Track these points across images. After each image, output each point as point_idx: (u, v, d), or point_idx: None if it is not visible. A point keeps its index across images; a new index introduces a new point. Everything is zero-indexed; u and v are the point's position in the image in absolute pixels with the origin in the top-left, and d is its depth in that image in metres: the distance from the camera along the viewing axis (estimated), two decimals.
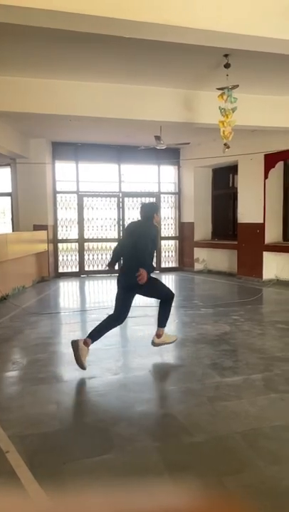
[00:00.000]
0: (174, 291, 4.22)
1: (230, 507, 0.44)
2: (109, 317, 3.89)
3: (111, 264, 4.25)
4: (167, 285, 4.25)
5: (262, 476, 2.07)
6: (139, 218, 4.07)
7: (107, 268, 4.37)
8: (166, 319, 4.12)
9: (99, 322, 3.88)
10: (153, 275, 3.97)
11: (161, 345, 4.15)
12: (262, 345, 4.38)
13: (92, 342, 3.70)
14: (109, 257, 10.08)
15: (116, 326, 3.90)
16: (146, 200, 10.34)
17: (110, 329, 3.84)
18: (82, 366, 3.55)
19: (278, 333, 4.81)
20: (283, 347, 4.25)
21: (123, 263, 4.11)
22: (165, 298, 4.08)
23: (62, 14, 2.89)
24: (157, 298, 4.17)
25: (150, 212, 3.99)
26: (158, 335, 4.10)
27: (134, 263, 3.74)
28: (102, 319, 3.91)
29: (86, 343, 3.63)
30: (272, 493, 1.95)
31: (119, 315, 3.89)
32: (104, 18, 2.99)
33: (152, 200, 4.36)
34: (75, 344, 3.62)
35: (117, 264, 4.28)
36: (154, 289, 4.00)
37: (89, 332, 3.82)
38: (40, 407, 2.93)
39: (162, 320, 4.10)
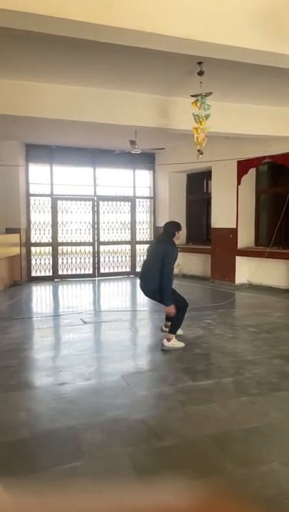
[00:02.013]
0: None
1: (228, 507, 0.44)
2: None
3: None
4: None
5: (230, 479, 2.10)
6: (162, 234, 4.60)
7: None
8: (178, 326, 4.44)
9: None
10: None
11: (171, 350, 4.30)
12: (234, 348, 4.44)
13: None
14: (83, 261, 10.05)
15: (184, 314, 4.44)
16: (123, 204, 10.36)
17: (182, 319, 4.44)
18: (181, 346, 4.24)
19: (249, 336, 4.89)
20: (254, 350, 4.33)
21: (140, 272, 4.66)
22: (178, 307, 4.32)
23: (36, 17, 2.86)
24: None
25: (171, 230, 4.46)
26: (168, 339, 4.33)
27: (149, 274, 4.36)
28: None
29: (169, 339, 4.25)
30: (238, 496, 1.97)
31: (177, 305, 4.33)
32: (78, 22, 2.98)
33: (175, 220, 4.67)
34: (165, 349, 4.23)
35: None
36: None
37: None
38: (10, 414, 2.87)
39: (174, 327, 4.41)
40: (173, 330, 4.40)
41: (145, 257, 4.66)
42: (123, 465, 2.23)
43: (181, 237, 4.71)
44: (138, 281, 4.64)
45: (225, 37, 3.36)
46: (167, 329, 4.45)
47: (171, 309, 4.24)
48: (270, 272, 8.04)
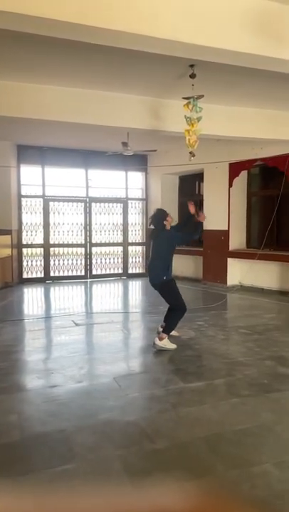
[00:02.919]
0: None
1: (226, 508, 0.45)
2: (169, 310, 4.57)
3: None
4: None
5: (222, 480, 2.10)
6: (152, 227, 4.70)
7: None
8: (171, 328, 4.49)
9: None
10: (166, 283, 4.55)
11: (163, 350, 4.33)
12: (225, 350, 4.46)
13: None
14: (75, 263, 10.02)
15: (181, 315, 4.54)
16: (115, 205, 10.35)
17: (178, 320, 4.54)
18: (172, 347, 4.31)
19: (241, 338, 4.91)
20: (245, 352, 4.35)
21: (149, 262, 4.82)
22: (175, 307, 4.50)
23: (28, 18, 2.85)
24: (169, 304, 4.59)
25: (160, 222, 4.56)
26: (160, 338, 4.37)
27: (155, 263, 4.56)
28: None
29: (161, 338, 4.31)
30: (230, 497, 1.98)
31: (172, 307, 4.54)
32: (70, 24, 2.98)
33: (159, 207, 4.75)
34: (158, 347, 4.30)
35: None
36: (170, 294, 4.55)
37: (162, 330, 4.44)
38: (1, 417, 2.85)
39: (167, 327, 4.46)
40: (167, 329, 4.42)
41: (150, 255, 4.82)
42: (115, 467, 2.23)
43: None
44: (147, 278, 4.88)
45: (216, 40, 3.37)
46: (160, 342, 4.36)
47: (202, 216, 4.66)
48: (261, 274, 8.09)
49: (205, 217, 4.76)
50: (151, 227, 4.76)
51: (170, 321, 4.47)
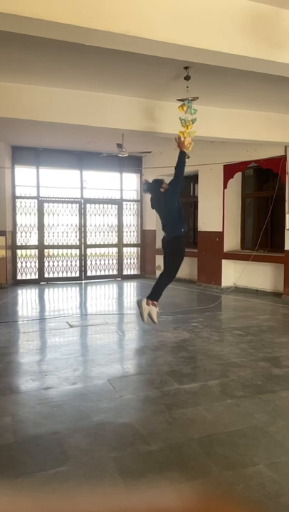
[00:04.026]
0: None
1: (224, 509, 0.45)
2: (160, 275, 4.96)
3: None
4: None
5: (215, 481, 2.10)
6: (152, 196, 5.04)
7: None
8: (156, 294, 4.84)
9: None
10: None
11: (138, 309, 4.83)
12: (219, 351, 4.46)
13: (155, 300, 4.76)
14: (70, 264, 9.99)
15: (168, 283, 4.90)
16: (110, 206, 10.34)
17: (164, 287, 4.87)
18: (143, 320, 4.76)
19: (235, 339, 4.93)
20: (239, 353, 4.36)
21: (162, 226, 5.14)
22: (167, 272, 4.90)
23: (20, 18, 2.85)
24: (168, 266, 4.95)
25: (157, 187, 4.94)
26: (147, 302, 4.79)
27: (168, 224, 4.96)
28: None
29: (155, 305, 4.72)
30: (224, 498, 1.98)
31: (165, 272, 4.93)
32: (65, 25, 2.97)
33: (155, 180, 5.12)
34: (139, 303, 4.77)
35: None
36: (171, 259, 4.94)
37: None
38: None
39: (153, 292, 4.84)
40: (151, 296, 4.81)
41: (161, 222, 5.15)
42: (109, 469, 2.22)
43: None
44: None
45: (210, 42, 3.39)
46: (147, 305, 4.78)
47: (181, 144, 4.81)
48: (255, 275, 8.12)
49: (184, 145, 4.87)
50: (148, 194, 5.16)
51: (157, 287, 4.86)
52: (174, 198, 4.87)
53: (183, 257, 4.94)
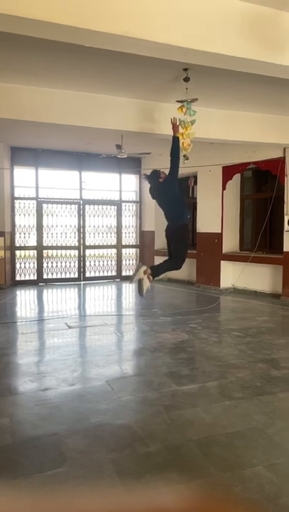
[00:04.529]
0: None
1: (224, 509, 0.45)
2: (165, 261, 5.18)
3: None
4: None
5: (214, 483, 2.10)
6: (151, 186, 5.21)
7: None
8: (158, 271, 5.04)
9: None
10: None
11: (135, 277, 4.92)
12: (218, 352, 4.46)
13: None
14: (69, 265, 9.99)
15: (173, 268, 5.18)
16: (109, 207, 10.34)
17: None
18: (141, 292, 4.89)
19: (233, 340, 4.92)
20: (238, 354, 4.36)
21: (165, 215, 5.22)
22: (172, 259, 5.04)
23: (19, 19, 2.85)
24: (170, 252, 5.11)
25: (156, 177, 5.11)
26: (145, 271, 4.89)
27: (171, 212, 5.07)
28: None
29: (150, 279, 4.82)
30: (222, 499, 1.98)
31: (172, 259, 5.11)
32: (64, 27, 2.97)
33: (153, 170, 5.26)
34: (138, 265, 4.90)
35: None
36: (177, 245, 5.05)
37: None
38: None
39: (156, 267, 5.08)
40: (155, 272, 4.95)
41: (163, 211, 5.25)
42: (107, 470, 2.22)
43: None
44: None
45: (210, 44, 3.39)
46: (144, 274, 4.89)
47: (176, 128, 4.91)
48: (254, 277, 8.12)
49: (178, 129, 4.95)
50: (148, 183, 5.33)
51: (161, 265, 5.07)
52: (173, 186, 4.98)
53: (188, 245, 5.18)
